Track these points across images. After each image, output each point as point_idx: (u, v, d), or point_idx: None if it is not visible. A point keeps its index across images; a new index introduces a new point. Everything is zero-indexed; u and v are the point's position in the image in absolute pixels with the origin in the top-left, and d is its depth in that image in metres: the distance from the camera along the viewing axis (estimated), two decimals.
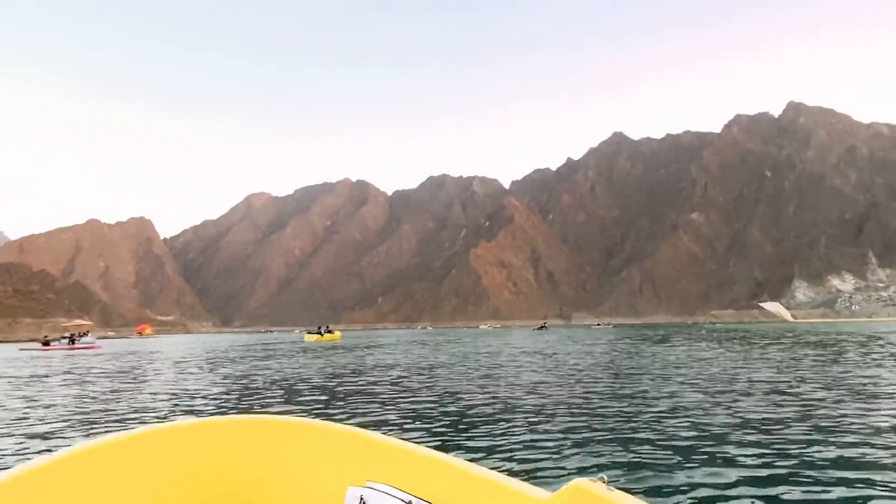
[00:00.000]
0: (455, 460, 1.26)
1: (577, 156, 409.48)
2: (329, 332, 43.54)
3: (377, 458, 1.21)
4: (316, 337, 41.22)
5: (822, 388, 7.95)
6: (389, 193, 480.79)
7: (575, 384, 9.07)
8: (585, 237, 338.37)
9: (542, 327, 76.48)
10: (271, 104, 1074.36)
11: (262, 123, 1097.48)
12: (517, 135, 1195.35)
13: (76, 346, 31.99)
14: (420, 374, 11.39)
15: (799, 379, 9.15)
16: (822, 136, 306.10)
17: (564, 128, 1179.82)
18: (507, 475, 1.25)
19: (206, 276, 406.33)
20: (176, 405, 7.42)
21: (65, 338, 34.31)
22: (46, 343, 32.08)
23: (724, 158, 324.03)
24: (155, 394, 8.81)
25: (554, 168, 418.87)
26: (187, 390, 9.29)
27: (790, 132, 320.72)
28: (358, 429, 1.28)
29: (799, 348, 18.02)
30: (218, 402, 7.78)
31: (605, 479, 1.10)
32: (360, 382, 10.06)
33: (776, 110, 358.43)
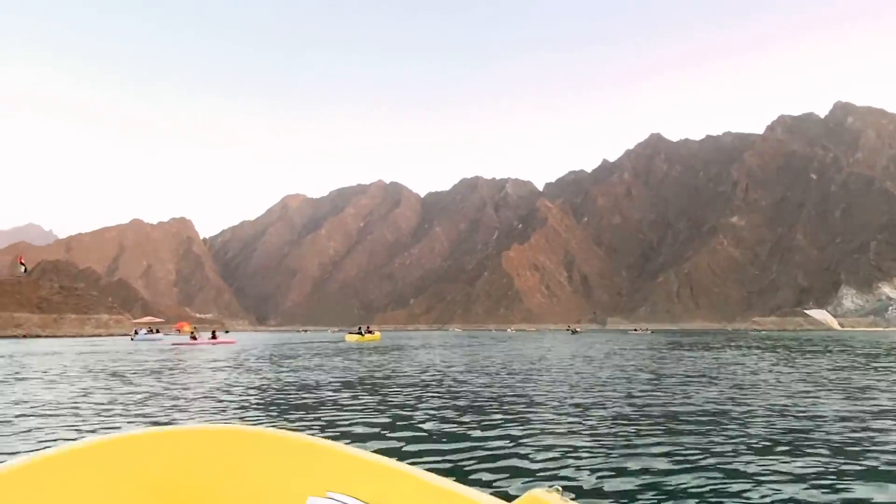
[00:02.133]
0: (415, 470, 1.26)
1: (612, 157, 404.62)
2: (370, 332, 44.30)
3: (338, 468, 1.20)
4: (357, 337, 41.91)
5: None
6: (422, 195, 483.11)
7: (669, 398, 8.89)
8: (621, 240, 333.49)
9: (573, 331, 76.33)
10: (305, 106, 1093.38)
11: (297, 125, 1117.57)
12: (551, 136, 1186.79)
13: (217, 340, 36.74)
14: (488, 376, 11.74)
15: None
16: (872, 138, 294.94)
17: (600, 128, 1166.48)
18: (471, 486, 1.26)
19: (243, 275, 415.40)
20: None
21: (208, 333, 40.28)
22: (194, 337, 36.74)
23: (766, 161, 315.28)
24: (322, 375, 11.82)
25: (589, 170, 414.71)
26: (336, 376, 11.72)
27: (837, 133, 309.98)
28: (319, 438, 1.27)
29: (862, 361, 16.71)
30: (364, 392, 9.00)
31: (561, 489, 1.11)
32: (469, 384, 10.34)
33: (822, 111, 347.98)
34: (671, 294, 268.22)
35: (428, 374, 12.78)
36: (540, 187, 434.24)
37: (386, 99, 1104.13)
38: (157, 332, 60.13)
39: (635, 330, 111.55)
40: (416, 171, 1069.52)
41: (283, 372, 13.68)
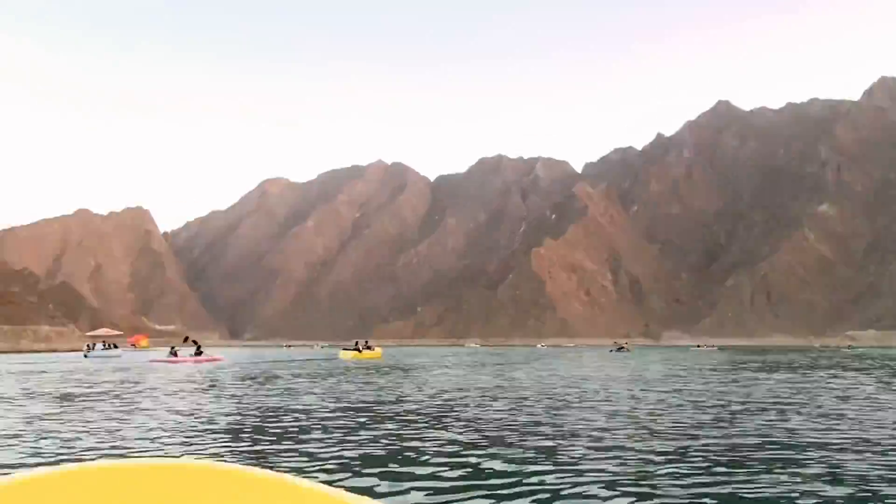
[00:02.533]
0: (364, 500, 1.33)
1: (669, 131, 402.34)
2: (368, 348, 44.98)
3: (266, 499, 1.24)
4: (353, 354, 42.52)
5: None
6: (432, 179, 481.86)
7: None
8: (680, 235, 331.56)
9: (620, 348, 75.88)
10: (286, 68, 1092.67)
11: (276, 93, 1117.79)
12: (592, 104, 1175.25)
13: (203, 357, 38.39)
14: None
15: None
16: None
17: (653, 96, 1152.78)
18: None
19: (213, 277, 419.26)
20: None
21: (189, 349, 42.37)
22: (174, 353, 38.91)
23: (863, 134, 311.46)
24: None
25: (639, 147, 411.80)
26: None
27: None
28: (298, 478, 1.31)
29: None
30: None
31: None
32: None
33: None
34: (743, 302, 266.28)
35: (444, 405, 12.96)
36: (578, 168, 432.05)
37: (386, 56, 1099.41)
38: (115, 346, 61.66)
39: (698, 346, 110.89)
40: (423, 150, 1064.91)
41: (263, 395, 14.02)
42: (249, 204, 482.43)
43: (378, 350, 47.40)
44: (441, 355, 60.40)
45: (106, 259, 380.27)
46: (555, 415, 10.64)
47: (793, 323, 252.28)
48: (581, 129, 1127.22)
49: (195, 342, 41.25)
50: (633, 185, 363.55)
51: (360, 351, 43.24)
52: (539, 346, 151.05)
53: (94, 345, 60.55)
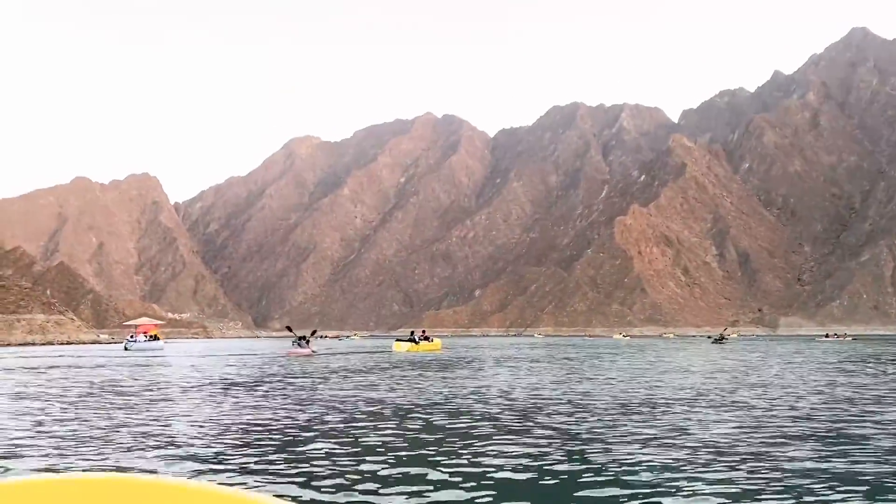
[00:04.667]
0: None
1: (789, 68, 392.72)
2: (426, 339, 47.30)
3: None
4: (408, 346, 44.53)
5: None
6: (491, 134, 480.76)
7: None
8: (802, 198, 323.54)
9: (720, 338, 76.66)
10: (316, 6, 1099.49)
11: (305, 35, 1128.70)
12: (691, 38, 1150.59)
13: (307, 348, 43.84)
14: None
15: None
16: None
17: (769, 24, 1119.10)
18: None
19: (234, 256, 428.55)
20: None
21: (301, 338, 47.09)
22: (305, 341, 44.51)
23: None
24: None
25: (751, 89, 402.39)
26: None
27: None
28: (281, 500, 1.36)
29: None
30: None
31: None
32: None
33: None
34: (882, 281, 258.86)
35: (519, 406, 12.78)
36: (674, 117, 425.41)
37: None
38: (157, 338, 66.51)
39: (827, 336, 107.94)
40: (481, 99, 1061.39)
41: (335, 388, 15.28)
42: (274, 169, 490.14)
43: (437, 341, 49.49)
44: (503, 346, 60.24)
45: (109, 236, 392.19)
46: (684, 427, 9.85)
47: None
48: (677, 69, 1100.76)
49: (304, 336, 45.92)
50: (743, 137, 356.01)
51: (416, 342, 45.00)
52: (618, 336, 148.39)
53: (135, 336, 65.48)
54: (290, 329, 49.84)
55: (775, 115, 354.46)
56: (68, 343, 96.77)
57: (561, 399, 14.88)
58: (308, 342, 44.71)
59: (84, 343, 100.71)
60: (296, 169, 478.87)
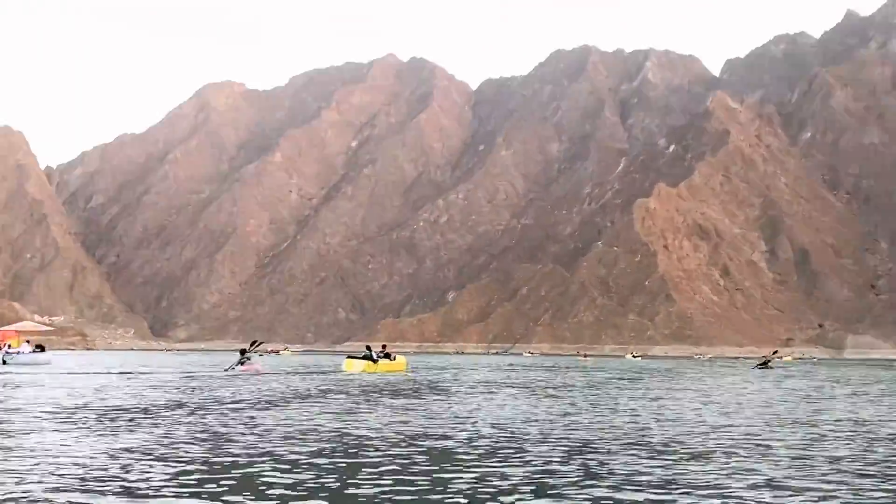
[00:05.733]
0: None
1: (867, 8, 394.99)
2: (386, 356, 47.56)
3: None
4: (363, 365, 44.91)
5: None
6: (474, 86, 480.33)
7: None
8: (881, 180, 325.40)
9: (764, 363, 77.43)
10: None
11: None
12: None
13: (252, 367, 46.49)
14: None
15: None
16: None
17: None
18: None
19: (125, 241, 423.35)
20: None
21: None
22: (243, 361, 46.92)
23: None
24: None
25: (817, 34, 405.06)
26: None
27: None
28: None
29: None
30: None
31: None
32: None
33: None
34: None
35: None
36: (715, 69, 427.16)
37: None
38: (42, 349, 66.50)
39: None
40: (460, 39, 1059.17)
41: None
42: (182, 125, 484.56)
43: (401, 359, 50.44)
44: (488, 367, 60.38)
45: None
46: None
47: None
48: (720, 5, 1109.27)
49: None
50: (804, 97, 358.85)
51: (374, 360, 45.42)
52: (630, 356, 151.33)
53: (11, 346, 64.22)
54: (252, 344, 51.92)
55: (847, 69, 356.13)
56: None
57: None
58: (249, 358, 46.67)
59: None
60: (211, 126, 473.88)
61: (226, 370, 46.30)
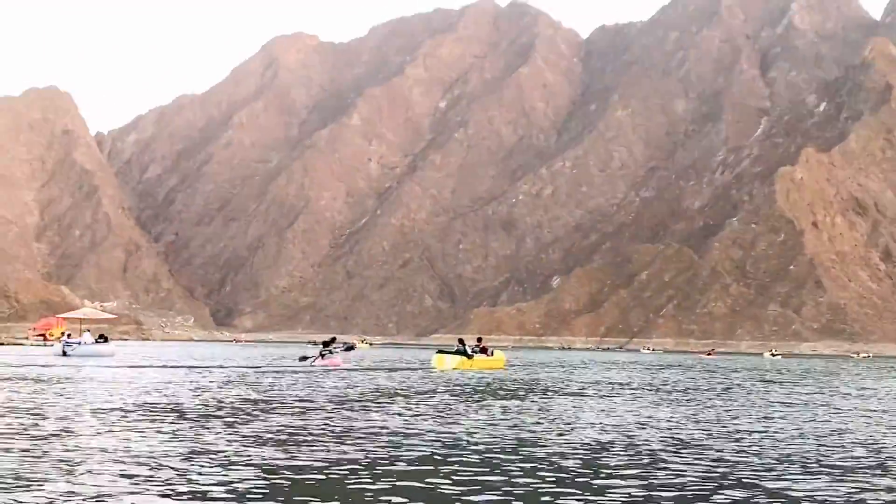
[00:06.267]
0: None
1: None
2: (482, 351, 49.47)
3: None
4: (457, 361, 46.69)
5: None
6: (585, 35, 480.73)
7: None
8: None
9: None
10: None
11: None
12: None
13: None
14: None
15: None
16: None
17: None
18: None
19: (184, 217, 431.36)
20: None
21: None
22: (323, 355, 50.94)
23: None
24: None
25: None
26: None
27: None
28: None
29: None
30: None
31: None
32: None
33: None
34: None
35: None
36: (876, 13, 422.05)
37: None
38: (105, 339, 70.81)
39: None
40: None
41: None
42: (247, 84, 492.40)
43: (499, 355, 52.10)
44: (603, 364, 59.86)
45: None
46: None
47: None
48: None
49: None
50: None
51: (469, 356, 46.87)
52: (768, 354, 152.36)
53: (72, 337, 68.38)
54: (327, 343, 53.48)
55: None
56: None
57: None
58: (332, 351, 50.19)
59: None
60: (280, 85, 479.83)
61: (303, 359, 49.81)
